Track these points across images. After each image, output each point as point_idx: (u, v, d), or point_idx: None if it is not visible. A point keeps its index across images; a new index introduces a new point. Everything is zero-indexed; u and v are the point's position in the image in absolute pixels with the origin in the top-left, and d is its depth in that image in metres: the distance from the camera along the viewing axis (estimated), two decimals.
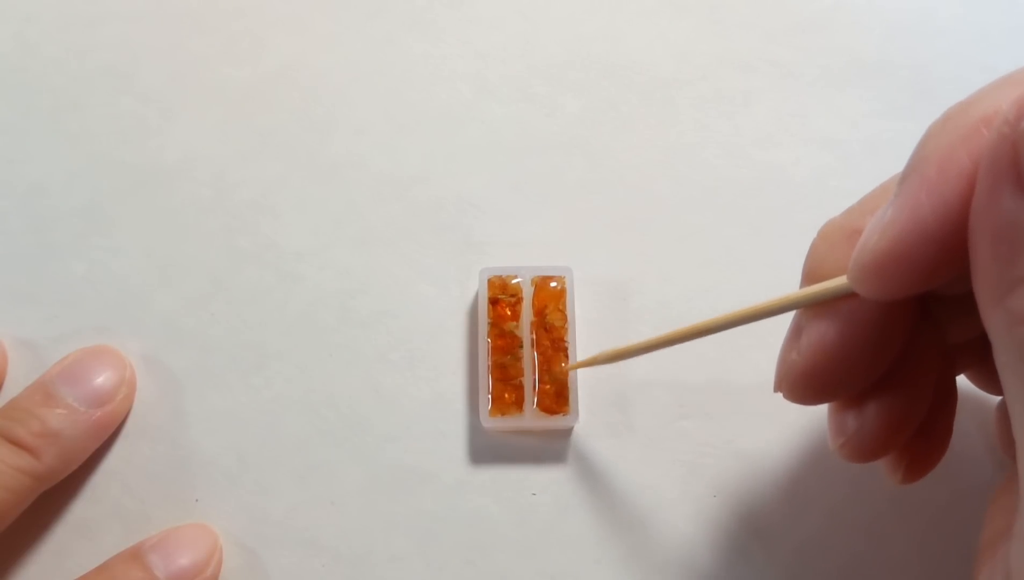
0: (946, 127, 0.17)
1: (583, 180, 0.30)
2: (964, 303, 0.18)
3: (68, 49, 0.31)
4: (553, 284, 0.27)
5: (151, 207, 0.29)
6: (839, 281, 0.19)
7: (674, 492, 0.26)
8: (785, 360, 0.21)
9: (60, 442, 0.25)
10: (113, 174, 0.30)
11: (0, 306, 0.28)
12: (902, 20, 0.31)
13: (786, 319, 0.21)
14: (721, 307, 0.28)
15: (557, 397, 0.26)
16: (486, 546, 0.26)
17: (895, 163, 0.18)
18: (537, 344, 0.27)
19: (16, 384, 0.27)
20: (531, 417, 0.26)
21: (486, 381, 0.26)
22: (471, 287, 0.28)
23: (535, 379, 0.26)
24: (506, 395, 0.26)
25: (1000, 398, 0.23)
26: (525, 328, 0.27)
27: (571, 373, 0.26)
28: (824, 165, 0.30)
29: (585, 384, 0.27)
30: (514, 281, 0.27)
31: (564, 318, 0.27)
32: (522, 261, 0.28)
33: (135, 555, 0.24)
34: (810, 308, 0.20)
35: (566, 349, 0.27)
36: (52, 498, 0.26)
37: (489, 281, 0.27)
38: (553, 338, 0.27)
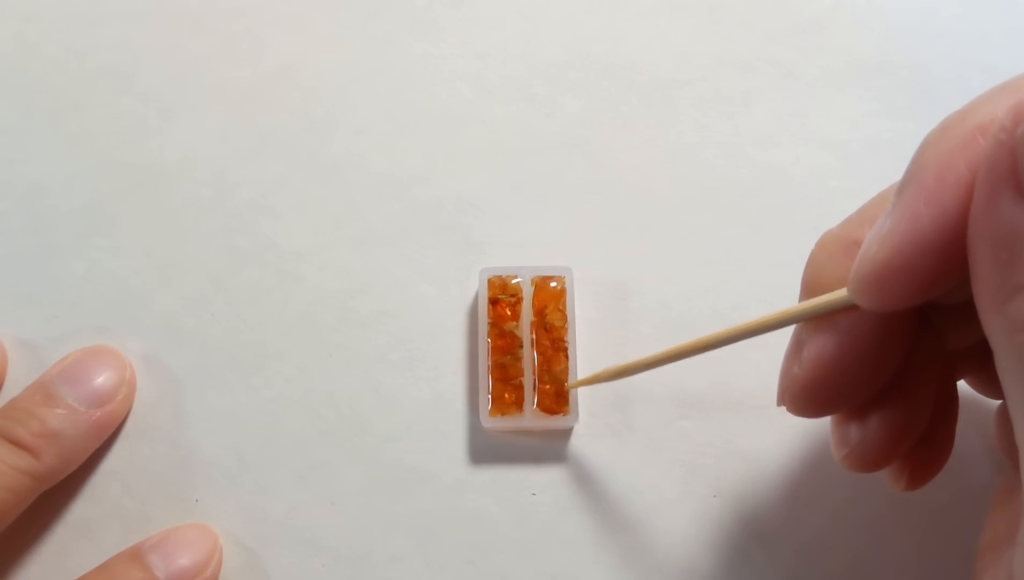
0: (943, 136, 0.17)
1: (583, 180, 0.30)
2: (964, 311, 0.18)
3: (68, 49, 0.31)
4: (553, 284, 0.27)
5: (151, 207, 0.29)
6: (839, 294, 0.19)
7: (674, 492, 0.26)
8: (787, 374, 0.20)
9: (60, 442, 0.25)
10: (113, 174, 0.30)
11: (0, 306, 0.28)
12: (902, 20, 0.31)
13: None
14: (721, 307, 0.28)
15: (557, 397, 0.26)
16: (486, 546, 0.26)
17: (895, 163, 0.18)
18: (537, 344, 0.27)
19: (16, 384, 0.27)
20: (531, 417, 0.26)
21: (486, 381, 0.26)
22: (471, 287, 0.28)
23: (535, 379, 0.26)
24: (506, 395, 0.26)
25: (1000, 402, 0.23)
26: (525, 328, 0.27)
27: (571, 375, 0.26)
28: (824, 165, 0.30)
29: None
30: (514, 281, 0.27)
31: (564, 318, 0.27)
32: (522, 261, 0.28)
33: (135, 555, 0.24)
34: (810, 321, 0.20)
35: (566, 349, 0.27)
36: (52, 498, 0.26)
37: (489, 281, 0.27)
38: (553, 338, 0.27)
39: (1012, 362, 0.15)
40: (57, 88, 0.31)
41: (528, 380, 0.26)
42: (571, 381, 0.26)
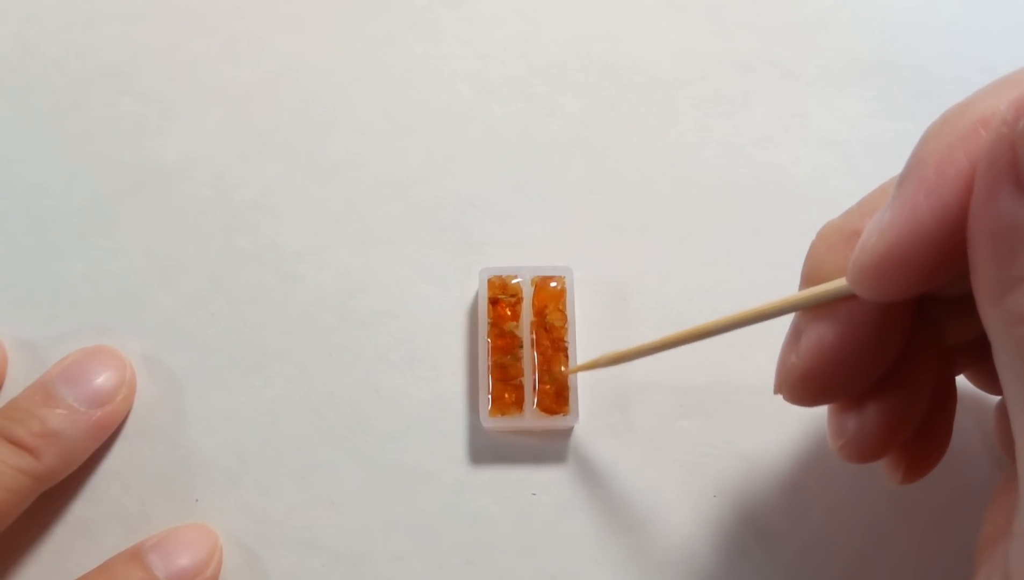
0: (944, 128, 0.17)
1: (583, 180, 0.30)
2: (963, 304, 0.18)
3: (68, 49, 0.31)
4: (553, 284, 0.27)
5: (151, 207, 0.29)
6: (838, 283, 0.19)
7: (674, 492, 0.26)
8: (784, 362, 0.21)
9: (60, 442, 0.25)
10: (113, 174, 0.30)
11: (0, 306, 0.28)
12: (902, 20, 0.32)
13: (786, 318, 0.21)
14: (721, 307, 0.28)
15: (557, 397, 0.26)
16: (486, 546, 0.26)
17: (895, 163, 0.18)
18: (537, 344, 0.27)
19: (16, 384, 0.27)
20: (531, 417, 0.26)
21: (486, 381, 0.26)
22: (471, 287, 0.28)
23: (535, 379, 0.26)
24: (506, 395, 0.26)
25: (999, 397, 0.23)
26: (525, 328, 0.27)
27: (571, 376, 0.26)
28: (824, 165, 0.30)
29: (585, 384, 0.27)
30: (514, 281, 0.27)
31: (564, 318, 0.27)
32: (522, 261, 0.28)
33: (135, 555, 0.24)
34: (809, 310, 0.20)
35: (566, 349, 0.27)
36: (52, 498, 0.26)
37: (489, 281, 0.27)
38: (553, 338, 0.27)
39: (1010, 355, 0.15)
40: (57, 88, 0.31)
41: (528, 380, 0.26)
42: (571, 382, 0.26)
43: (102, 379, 0.26)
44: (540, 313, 0.27)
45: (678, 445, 0.27)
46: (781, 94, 0.31)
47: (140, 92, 0.31)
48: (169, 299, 0.28)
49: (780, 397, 0.21)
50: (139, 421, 0.27)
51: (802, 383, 0.20)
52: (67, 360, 0.26)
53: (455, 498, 0.26)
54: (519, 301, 0.27)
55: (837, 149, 0.30)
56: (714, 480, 0.26)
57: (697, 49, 0.31)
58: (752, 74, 0.31)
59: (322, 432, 0.27)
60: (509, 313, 0.27)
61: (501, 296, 0.27)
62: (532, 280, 0.27)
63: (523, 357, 0.27)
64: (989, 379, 0.23)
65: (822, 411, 0.23)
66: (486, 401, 0.26)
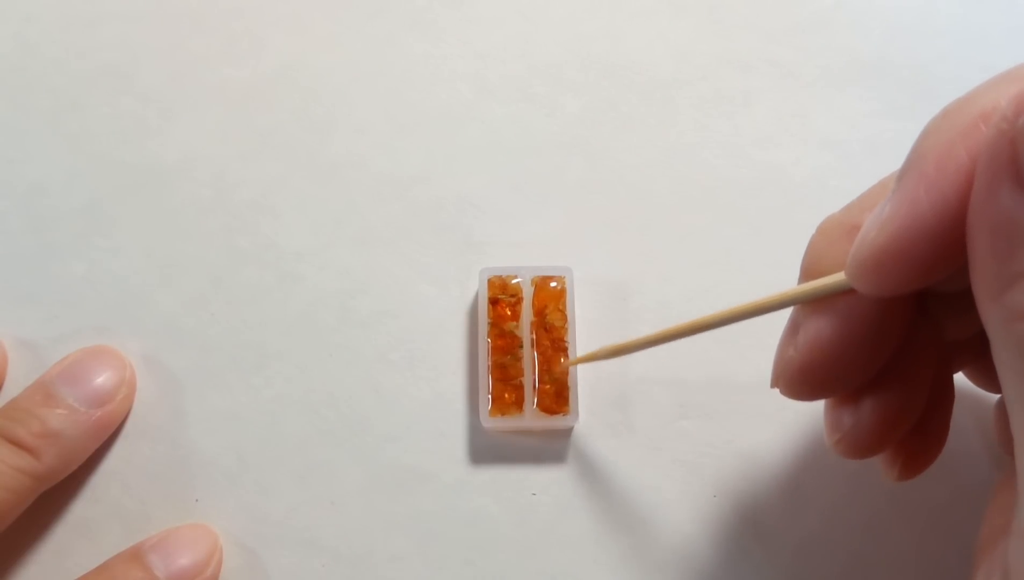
0: (944, 123, 0.17)
1: (583, 180, 0.30)
2: (962, 300, 0.18)
3: (68, 49, 0.31)
4: (553, 284, 0.27)
5: (151, 207, 0.29)
6: (837, 277, 0.19)
7: (674, 492, 0.26)
8: (782, 356, 0.21)
9: (60, 442, 0.25)
10: (113, 174, 0.30)
11: (0, 306, 0.28)
12: (902, 20, 0.32)
13: (785, 316, 0.21)
14: (721, 307, 0.28)
15: (557, 397, 0.26)
16: (486, 546, 0.26)
17: (895, 163, 0.18)
18: (537, 344, 0.27)
19: (16, 384, 0.27)
20: (531, 417, 0.26)
21: (486, 381, 0.26)
22: (471, 287, 0.28)
23: (535, 379, 0.26)
24: (506, 395, 0.26)
25: (999, 396, 0.23)
26: (525, 328, 0.27)
27: (571, 372, 0.26)
28: (824, 165, 0.30)
29: (585, 384, 0.27)
30: (514, 281, 0.27)
31: (564, 318, 0.27)
32: (522, 261, 0.28)
33: (135, 555, 0.24)
34: (808, 304, 0.20)
35: (566, 349, 0.27)
36: (52, 498, 0.26)
37: (489, 281, 0.27)
38: (553, 338, 0.27)
39: (1008, 351, 0.15)
40: (57, 88, 0.31)
41: (528, 380, 0.26)
42: (571, 382, 0.26)
43: (102, 379, 0.26)
44: (540, 313, 0.27)
45: (678, 445, 0.27)
46: (781, 94, 0.31)
47: (140, 92, 0.31)
48: (169, 299, 0.28)
49: (780, 396, 0.21)
50: (139, 421, 0.27)
51: (799, 377, 0.20)
52: (67, 360, 0.26)
53: (455, 498, 0.26)
54: (519, 301, 0.27)
55: (837, 149, 0.30)
56: (714, 480, 0.26)
57: (697, 49, 0.31)
58: (752, 74, 0.31)
59: (322, 432, 0.27)
60: (509, 313, 0.27)
61: (501, 296, 0.27)
62: (532, 280, 0.27)
63: (523, 357, 0.27)
64: (988, 377, 0.23)
65: (821, 410, 0.23)
66: (486, 401, 0.26)
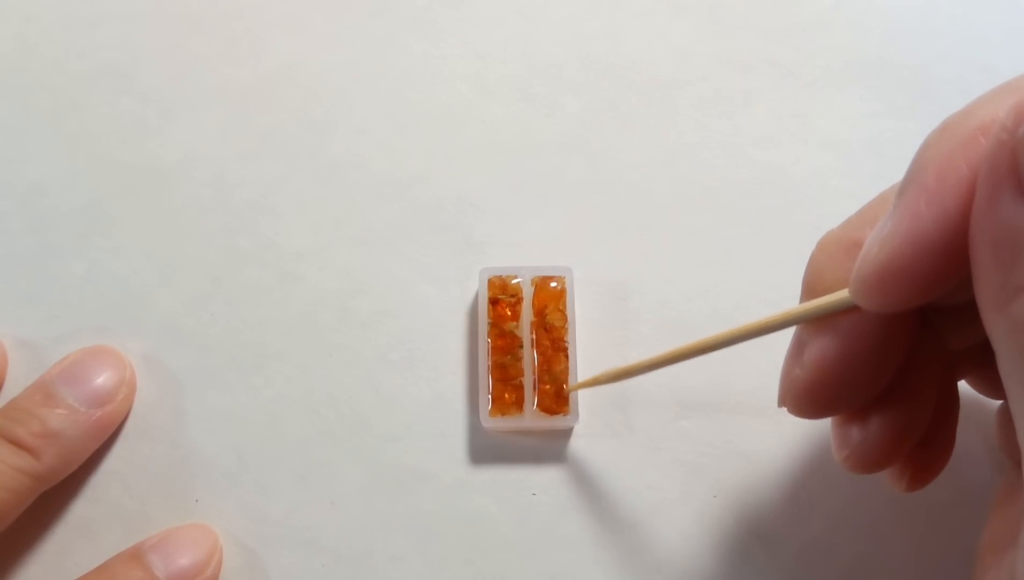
0: (944, 136, 0.17)
1: (583, 180, 0.30)
2: (965, 312, 0.18)
3: (68, 49, 0.31)
4: (553, 284, 0.27)
5: (151, 207, 0.29)
6: (840, 295, 0.19)
7: (674, 493, 0.26)
8: (788, 375, 0.20)
9: (60, 442, 0.25)
10: (113, 174, 0.30)
11: (0, 306, 0.28)
12: (902, 20, 0.31)
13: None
14: (721, 307, 0.28)
15: (557, 397, 0.26)
16: (486, 546, 0.26)
17: (895, 163, 0.18)
18: (537, 344, 0.27)
19: (16, 384, 0.27)
20: (531, 417, 0.26)
21: (486, 381, 0.26)
22: (471, 287, 0.28)
23: (535, 379, 0.26)
24: (506, 395, 0.26)
25: (1001, 402, 0.23)
26: (525, 328, 0.27)
27: (571, 373, 0.26)
28: (824, 165, 0.30)
29: None
30: (514, 281, 0.27)
31: (564, 318, 0.27)
32: (522, 261, 0.28)
33: (135, 555, 0.24)
34: (812, 323, 0.20)
35: (566, 349, 0.27)
36: (52, 498, 0.26)
37: (489, 281, 0.27)
38: (553, 338, 0.27)
39: (1014, 362, 0.15)
40: (57, 88, 0.31)
41: (528, 380, 0.26)
42: (571, 381, 0.26)
43: (102, 379, 0.26)
44: (540, 313, 0.27)
45: (678, 445, 0.27)
46: (781, 94, 0.31)
47: (140, 92, 0.31)
48: (169, 299, 0.28)
49: (783, 407, 0.21)
50: (139, 421, 0.27)
51: (806, 396, 0.20)
52: (67, 360, 0.26)
53: (455, 498, 0.26)
54: (519, 301, 0.27)
55: (837, 149, 0.30)
56: (714, 481, 0.26)
57: (697, 49, 0.31)
58: (752, 74, 0.31)
59: (322, 432, 0.27)
60: (509, 313, 0.27)
61: (501, 296, 0.27)
62: (532, 280, 0.27)
63: (523, 357, 0.27)
64: (991, 384, 0.23)
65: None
66: (486, 401, 0.26)
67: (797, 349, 0.20)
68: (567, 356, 0.26)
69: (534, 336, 0.27)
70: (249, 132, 0.30)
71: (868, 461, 0.20)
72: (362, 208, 0.29)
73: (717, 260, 0.29)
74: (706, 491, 0.26)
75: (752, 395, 0.27)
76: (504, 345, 0.27)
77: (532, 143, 0.30)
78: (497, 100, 0.31)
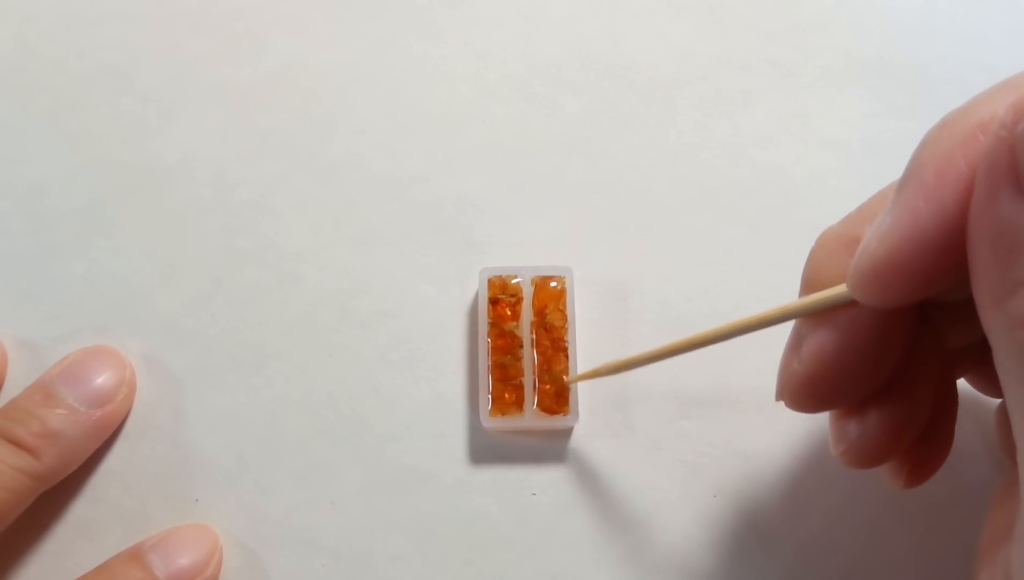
0: (943, 133, 0.17)
1: (583, 180, 0.30)
2: (963, 309, 0.18)
3: (68, 49, 0.31)
4: (553, 284, 0.27)
5: (151, 207, 0.29)
6: (838, 289, 0.19)
7: (674, 492, 0.26)
8: (786, 369, 0.21)
9: (60, 442, 0.25)
10: (113, 174, 0.30)
11: (0, 306, 0.28)
12: (902, 20, 0.31)
13: (787, 322, 0.21)
14: (721, 307, 0.28)
15: (557, 397, 0.26)
16: (486, 546, 0.26)
17: (895, 163, 0.18)
18: (537, 344, 0.27)
19: (16, 384, 0.27)
20: (531, 417, 0.26)
21: (486, 381, 0.26)
22: (471, 287, 0.28)
23: (535, 379, 0.26)
24: (506, 395, 0.26)
25: (1000, 400, 0.23)
26: (525, 328, 0.27)
27: (571, 374, 0.26)
28: (824, 165, 0.30)
29: (585, 384, 0.27)
30: (514, 281, 0.27)
31: (564, 318, 0.27)
32: (522, 261, 0.28)
33: (135, 555, 0.24)
34: (810, 317, 0.20)
35: (566, 349, 0.27)
36: (52, 498, 0.26)
37: (489, 281, 0.27)
38: (553, 338, 0.27)
39: (1011, 359, 0.15)
40: (57, 88, 0.31)
41: (528, 380, 0.26)
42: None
43: (102, 379, 0.26)
44: (540, 313, 0.27)
45: (678, 445, 0.27)
46: (781, 94, 0.31)
47: (140, 92, 0.31)
48: (169, 299, 0.28)
49: (781, 402, 0.21)
50: (139, 421, 0.27)
51: (804, 390, 0.20)
52: (67, 360, 0.26)
53: (455, 498, 0.26)
54: (519, 301, 0.27)
55: (837, 149, 0.30)
56: (714, 480, 0.26)
57: (697, 49, 0.31)
58: (752, 74, 0.31)
59: (322, 432, 0.27)
60: (509, 313, 0.27)
61: (501, 296, 0.27)
62: (532, 280, 0.27)
63: (523, 357, 0.27)
64: (990, 382, 0.23)
65: (823, 413, 0.23)
66: (486, 401, 0.26)
67: (795, 343, 0.20)
68: (567, 356, 0.26)
69: (534, 336, 0.27)
70: (249, 132, 0.30)
71: (865, 456, 0.20)
72: (362, 208, 0.29)
73: (717, 260, 0.29)
74: (706, 491, 0.26)
75: (752, 395, 0.27)
76: (504, 345, 0.27)
77: (532, 143, 0.30)
78: (497, 100, 0.31)
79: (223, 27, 0.31)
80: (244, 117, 0.30)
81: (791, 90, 0.31)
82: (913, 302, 0.17)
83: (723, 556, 0.26)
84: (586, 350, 0.27)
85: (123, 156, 0.30)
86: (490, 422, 0.26)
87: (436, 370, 0.28)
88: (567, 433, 0.27)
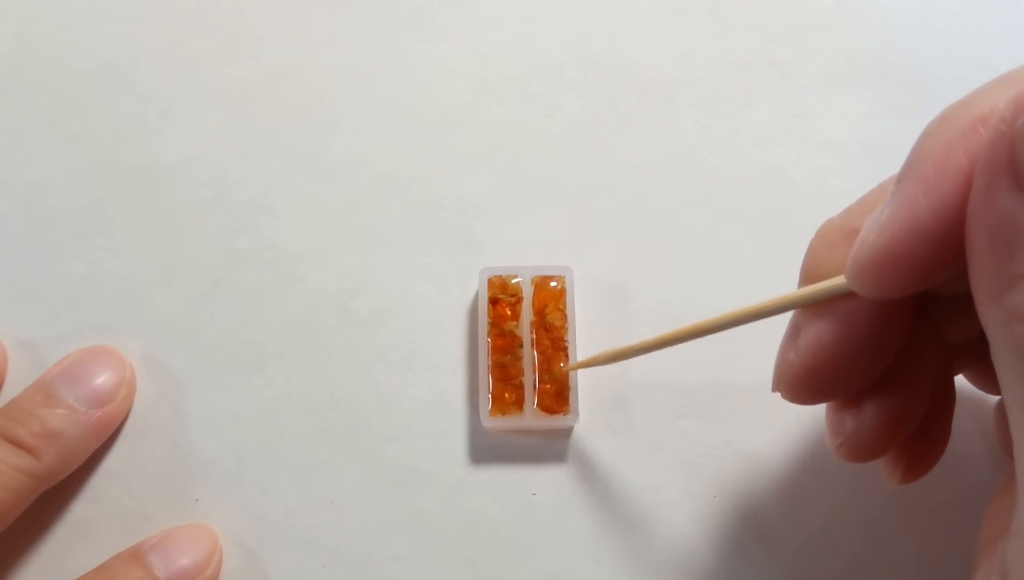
0: (943, 126, 0.17)
1: (583, 180, 0.30)
2: (962, 303, 0.18)
3: (68, 49, 0.31)
4: (553, 284, 0.27)
5: (151, 207, 0.29)
6: (837, 281, 0.19)
7: (674, 492, 0.26)
8: (783, 360, 0.21)
9: (60, 442, 0.25)
10: (113, 174, 0.30)
11: (0, 306, 0.28)
12: (902, 20, 0.32)
13: (786, 318, 0.21)
14: (721, 307, 0.28)
15: (557, 397, 0.26)
16: (486, 546, 0.26)
17: (895, 163, 0.18)
18: (537, 344, 0.27)
19: (16, 384, 0.27)
20: (531, 417, 0.26)
21: (486, 381, 0.26)
22: (471, 287, 0.28)
23: (535, 379, 0.26)
24: (506, 395, 0.26)
25: (998, 397, 0.23)
26: (525, 328, 0.27)
27: (571, 373, 0.26)
28: (824, 165, 0.30)
29: (585, 384, 0.27)
30: (514, 281, 0.27)
31: (564, 318, 0.27)
32: (522, 261, 0.28)
33: (135, 555, 0.24)
34: (808, 308, 0.20)
35: (566, 349, 0.27)
36: (52, 498, 0.26)
37: (489, 281, 0.27)
38: (553, 338, 0.27)
39: (1008, 353, 0.15)
40: (57, 88, 0.31)
41: (528, 380, 0.26)
42: (571, 384, 0.26)
43: (102, 379, 0.26)
44: (540, 313, 0.27)
45: (678, 445, 0.27)
46: (781, 94, 0.31)
47: (140, 92, 0.31)
48: (169, 299, 0.28)
49: (780, 396, 0.21)
50: (139, 421, 0.27)
51: (800, 381, 0.20)
52: (67, 360, 0.26)
53: (455, 498, 0.26)
54: (519, 301, 0.27)
55: (837, 149, 0.30)
56: (714, 480, 0.26)
57: (697, 49, 0.31)
58: (752, 74, 0.31)
59: (322, 432, 0.27)
60: (509, 313, 0.27)
61: (501, 296, 0.27)
62: (532, 280, 0.27)
63: (523, 357, 0.27)
64: (988, 379, 0.23)
65: (822, 411, 0.23)
66: (486, 401, 0.26)
67: (793, 334, 0.20)
68: (567, 356, 0.27)
69: (534, 336, 0.27)
70: (249, 132, 0.30)
71: (862, 449, 0.20)
72: (362, 208, 0.29)
73: (717, 260, 0.29)
74: (706, 491, 0.26)
75: (752, 394, 0.27)
76: (504, 345, 0.27)
77: (532, 143, 0.30)
78: (497, 100, 0.31)
79: (223, 27, 0.31)
80: (244, 117, 0.30)
81: (791, 90, 0.31)
82: (911, 294, 0.17)
83: (723, 556, 0.26)
84: (586, 350, 0.27)
85: (123, 156, 0.30)
86: (490, 422, 0.26)
87: (436, 370, 0.28)
88: (567, 433, 0.27)
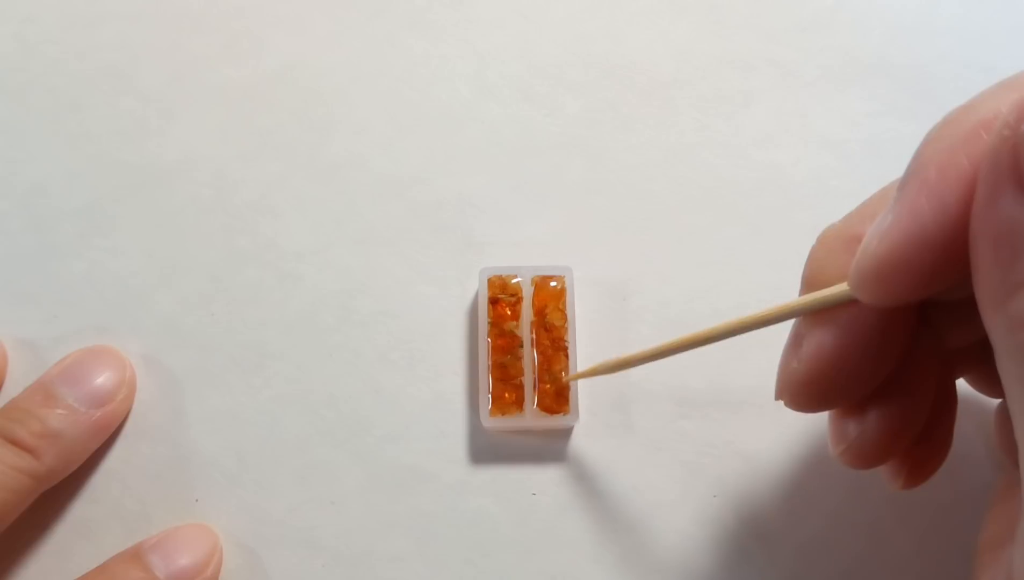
0: (945, 131, 0.17)
1: (583, 180, 0.30)
2: (963, 309, 0.18)
3: (68, 49, 0.31)
4: (553, 284, 0.27)
5: (151, 207, 0.29)
6: (839, 288, 0.19)
7: (674, 492, 0.26)
8: (786, 368, 0.20)
9: (60, 442, 0.25)
10: (113, 174, 0.30)
11: (0, 306, 0.28)
12: (902, 20, 0.31)
13: (787, 322, 0.21)
14: (721, 307, 0.28)
15: (557, 397, 0.26)
16: (486, 546, 0.26)
17: (896, 163, 0.18)
18: (537, 344, 0.27)
19: (16, 384, 0.27)
20: (531, 417, 0.26)
21: (486, 381, 0.26)
22: (471, 287, 0.28)
23: (535, 379, 0.26)
24: (506, 395, 0.26)
25: (1000, 400, 0.23)
26: (525, 328, 0.27)
27: (571, 373, 0.26)
28: (824, 165, 0.30)
29: (585, 384, 0.27)
30: (514, 281, 0.27)
31: (564, 318, 0.27)
32: (522, 261, 0.28)
33: (135, 555, 0.24)
34: (810, 315, 0.20)
35: (566, 349, 0.27)
36: (52, 498, 0.26)
37: (489, 281, 0.27)
38: (553, 338, 0.27)
39: (1012, 360, 0.15)
40: (57, 88, 0.31)
41: (528, 380, 0.26)
42: (571, 383, 0.26)
43: (102, 379, 0.26)
44: (540, 313, 0.27)
45: (678, 445, 0.27)
46: (781, 94, 0.31)
47: (140, 92, 0.31)
48: (169, 299, 0.28)
49: (781, 402, 0.21)
50: (139, 421, 0.27)
51: (804, 389, 0.20)
52: (67, 360, 0.26)
53: (455, 498, 0.26)
54: (519, 301, 0.27)
55: (837, 149, 0.30)
56: (714, 481, 0.26)
57: (697, 49, 0.31)
58: (752, 74, 0.31)
59: (322, 432, 0.27)
60: (509, 313, 0.27)
61: (501, 296, 0.27)
62: (532, 280, 0.27)
63: (523, 357, 0.27)
64: (990, 382, 0.23)
65: (823, 413, 0.23)
66: (486, 401, 0.26)
67: (795, 342, 0.20)
68: (567, 356, 0.27)
69: (534, 336, 0.27)
70: (249, 132, 0.30)
71: (864, 456, 0.20)
72: (362, 208, 0.29)
73: (717, 260, 0.29)
74: (706, 491, 0.26)
75: (752, 395, 0.27)
76: (504, 345, 0.27)
77: (532, 143, 0.30)
78: (497, 100, 0.31)
79: (223, 27, 0.31)
80: (244, 117, 0.30)
81: (791, 90, 0.31)
82: (914, 301, 0.17)
83: (723, 556, 0.26)
84: (586, 350, 0.27)
85: (123, 156, 0.30)
86: (490, 422, 0.26)
87: (436, 370, 0.28)
88: (567, 433, 0.27)
